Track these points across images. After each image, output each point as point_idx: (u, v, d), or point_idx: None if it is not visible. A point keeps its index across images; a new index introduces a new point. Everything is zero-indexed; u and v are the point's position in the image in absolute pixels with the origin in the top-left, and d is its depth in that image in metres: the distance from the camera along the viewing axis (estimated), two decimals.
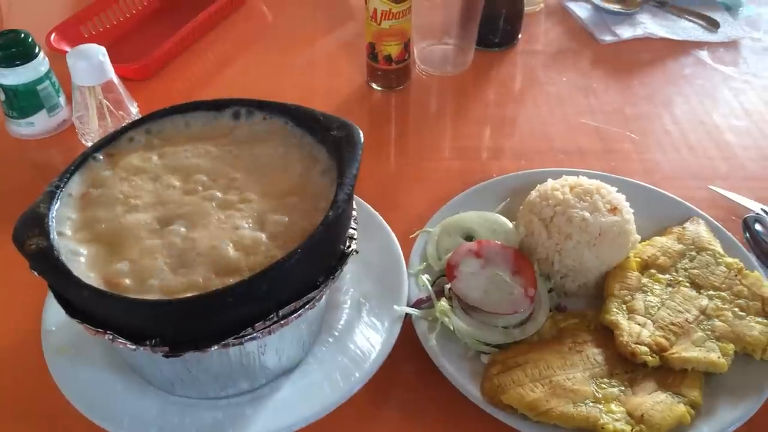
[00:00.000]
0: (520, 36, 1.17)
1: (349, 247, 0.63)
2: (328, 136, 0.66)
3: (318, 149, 0.67)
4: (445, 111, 1.06)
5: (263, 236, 0.60)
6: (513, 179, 0.86)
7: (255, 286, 0.54)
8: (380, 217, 0.80)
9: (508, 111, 1.05)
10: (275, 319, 0.57)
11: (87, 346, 0.68)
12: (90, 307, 0.56)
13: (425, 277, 0.74)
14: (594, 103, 1.05)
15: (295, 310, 0.58)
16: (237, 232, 0.60)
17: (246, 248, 0.59)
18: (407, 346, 0.70)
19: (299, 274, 0.58)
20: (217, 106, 0.71)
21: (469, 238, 0.79)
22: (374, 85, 1.07)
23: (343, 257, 0.62)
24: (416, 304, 0.72)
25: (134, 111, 0.95)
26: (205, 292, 0.54)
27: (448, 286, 0.72)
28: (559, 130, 1.01)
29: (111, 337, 0.56)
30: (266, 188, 0.64)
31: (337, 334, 0.71)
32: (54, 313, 0.70)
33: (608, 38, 1.17)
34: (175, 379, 0.64)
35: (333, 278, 0.61)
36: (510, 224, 0.79)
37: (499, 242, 0.76)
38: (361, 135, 0.65)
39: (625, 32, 1.18)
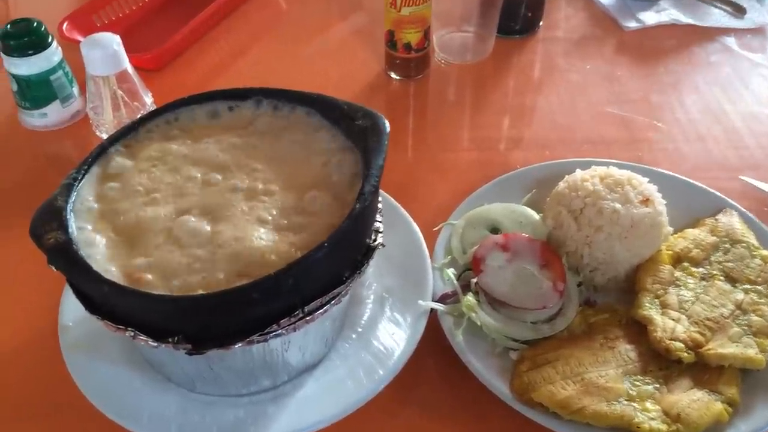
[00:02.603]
0: (541, 23, 1.15)
1: (375, 240, 0.61)
2: (353, 125, 0.64)
3: (342, 139, 0.65)
4: (465, 100, 1.04)
5: (288, 229, 0.58)
6: (538, 170, 0.84)
7: (281, 281, 0.53)
8: (403, 209, 0.78)
9: (529, 100, 1.03)
10: (300, 315, 0.55)
11: (105, 341, 0.66)
12: (111, 303, 0.54)
13: (450, 271, 0.72)
14: (619, 92, 1.03)
15: (321, 306, 0.57)
16: (260, 224, 0.58)
17: (270, 241, 0.57)
18: (432, 343, 0.69)
19: (325, 268, 0.56)
20: (237, 95, 0.69)
21: (494, 230, 0.77)
22: (392, 74, 1.05)
23: (368, 251, 0.60)
24: (441, 299, 0.70)
25: (149, 101, 0.93)
26: (230, 288, 0.52)
27: (474, 280, 0.70)
28: (582, 120, 0.98)
29: (132, 334, 0.54)
30: (289, 180, 0.62)
31: (360, 329, 0.69)
32: (71, 308, 0.69)
33: (632, 25, 1.14)
34: (196, 376, 0.63)
35: (359, 273, 0.59)
36: (537, 216, 0.76)
37: (526, 235, 0.73)
38: (387, 124, 0.63)
39: (650, 18, 1.15)
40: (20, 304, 0.76)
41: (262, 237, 0.57)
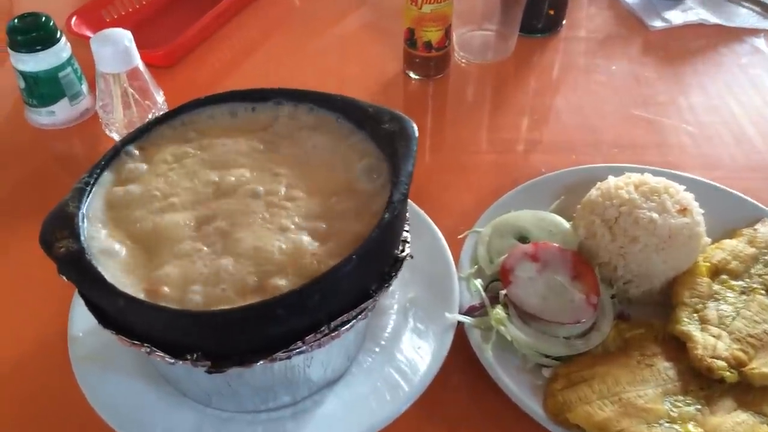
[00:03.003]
0: (564, 21, 1.11)
1: (403, 251, 0.58)
2: (379, 129, 0.61)
3: (368, 144, 0.62)
4: (486, 101, 1.01)
5: (311, 238, 0.55)
6: (566, 175, 0.80)
7: (307, 296, 0.49)
8: (426, 216, 0.75)
9: (553, 101, 0.99)
10: (326, 331, 0.52)
11: (117, 353, 0.63)
12: (126, 317, 0.51)
13: (478, 282, 0.69)
14: (646, 93, 0.99)
15: (347, 321, 0.53)
16: (283, 233, 0.55)
17: (293, 251, 0.54)
18: (459, 357, 0.65)
19: (353, 282, 0.53)
20: (257, 96, 0.66)
21: (522, 239, 0.74)
22: (411, 74, 1.02)
23: (396, 263, 0.57)
24: (469, 312, 0.67)
25: (160, 100, 0.90)
26: (253, 303, 0.49)
27: (503, 292, 0.67)
28: (609, 122, 0.95)
29: (148, 350, 0.51)
30: (313, 186, 0.59)
31: (383, 342, 0.66)
32: (81, 317, 0.65)
33: (658, 24, 1.10)
34: (212, 392, 0.60)
35: (387, 286, 0.55)
36: (567, 225, 0.73)
37: (557, 245, 0.70)
38: (416, 129, 0.60)
39: (676, 18, 1.11)
40: (26, 311, 0.72)
41: (283, 247, 0.54)
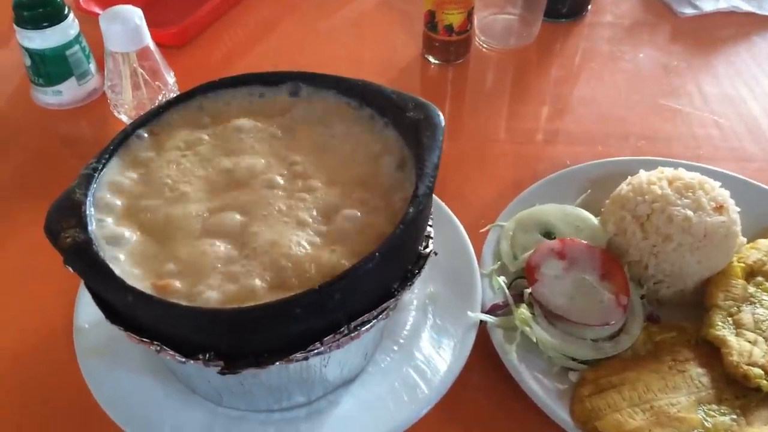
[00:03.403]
0: (589, 6, 1.07)
1: (426, 247, 0.55)
2: (403, 118, 0.57)
3: (390, 133, 0.59)
4: (507, 88, 0.97)
5: (330, 233, 0.52)
6: (593, 168, 0.77)
7: (327, 295, 0.47)
8: (446, 208, 0.72)
9: (576, 90, 0.96)
10: (345, 332, 0.49)
11: (124, 346, 0.60)
12: (134, 312, 0.48)
13: (501, 279, 0.66)
14: (674, 83, 0.95)
15: (368, 321, 0.50)
16: (301, 227, 0.52)
17: (312, 246, 0.51)
18: (480, 358, 0.63)
19: (375, 280, 0.50)
20: (273, 80, 0.63)
21: (547, 234, 0.70)
22: (430, 58, 0.98)
23: (420, 260, 0.54)
24: (491, 310, 0.64)
25: (171, 81, 0.87)
26: (270, 302, 0.46)
27: (528, 290, 0.64)
28: (636, 113, 0.91)
29: (158, 347, 0.48)
30: (332, 175, 0.56)
31: (402, 341, 0.64)
32: (88, 309, 0.63)
33: (688, 11, 1.06)
34: (223, 390, 0.57)
35: (410, 284, 0.52)
36: (595, 220, 0.70)
37: (585, 241, 0.67)
38: (442, 118, 0.57)
39: (707, 5, 1.07)
40: (31, 300, 0.70)
41: (301, 242, 0.51)
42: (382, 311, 0.51)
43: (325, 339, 0.49)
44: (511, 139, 0.89)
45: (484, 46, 1.01)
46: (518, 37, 1.00)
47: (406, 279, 0.53)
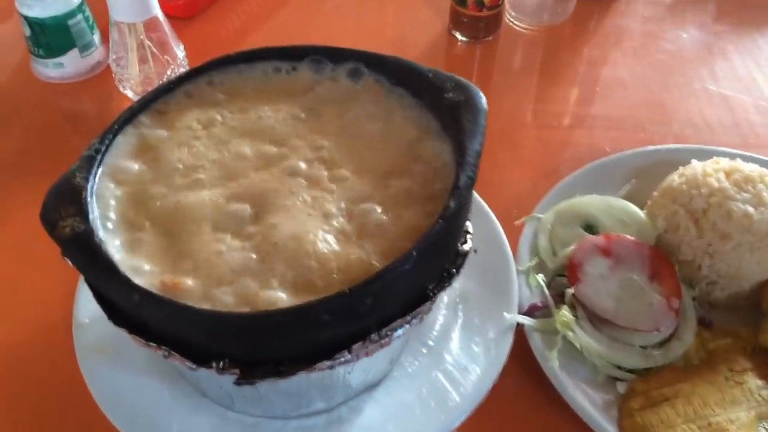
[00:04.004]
0: None
1: (465, 243, 0.49)
2: (441, 99, 0.51)
3: (427, 116, 0.53)
4: (539, 68, 0.91)
5: (360, 228, 0.46)
6: (638, 157, 0.71)
7: (358, 299, 0.41)
8: (478, 198, 0.66)
9: (615, 71, 0.89)
10: (376, 338, 0.44)
11: (127, 345, 0.54)
12: (140, 313, 0.43)
13: (540, 278, 0.60)
14: (721, 66, 0.89)
15: (400, 326, 0.45)
16: (327, 220, 0.47)
17: (340, 243, 0.45)
18: (518, 364, 0.58)
19: (410, 282, 0.44)
20: (294, 54, 0.57)
21: (589, 228, 0.65)
22: (457, 35, 0.92)
23: (457, 258, 0.48)
24: (529, 311, 0.59)
25: (180, 55, 0.81)
26: (293, 306, 0.41)
27: (570, 290, 0.58)
28: (680, 97, 0.85)
29: (166, 352, 0.43)
30: (362, 163, 0.50)
31: (431, 342, 0.59)
32: (89, 303, 0.57)
33: None
34: (236, 395, 0.52)
35: (447, 285, 0.47)
36: (643, 214, 0.64)
37: (632, 237, 0.61)
38: (484, 100, 0.51)
39: None
40: (28, 289, 0.65)
41: (327, 237, 0.45)
42: (416, 315, 0.46)
43: (354, 347, 0.43)
44: (543, 122, 0.83)
45: (515, 22, 0.95)
46: (552, 13, 0.94)
47: (443, 279, 0.47)
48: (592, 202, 0.65)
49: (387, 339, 0.45)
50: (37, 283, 0.64)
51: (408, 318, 0.45)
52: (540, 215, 0.66)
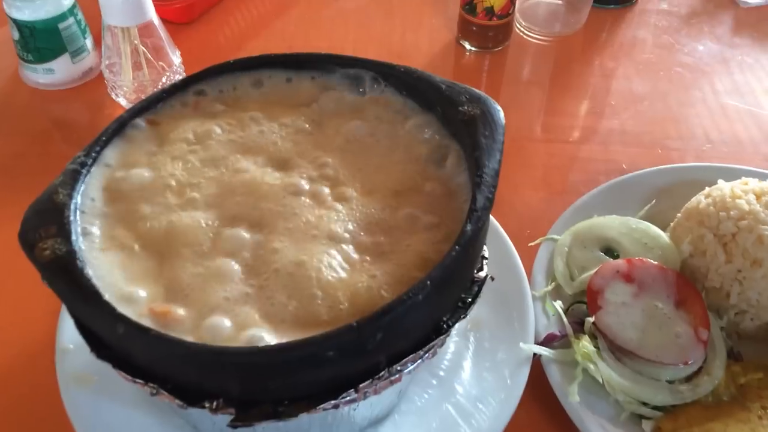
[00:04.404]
0: None
1: (481, 269, 0.46)
2: (454, 113, 0.48)
3: (438, 130, 0.49)
4: (550, 80, 0.87)
5: (369, 254, 0.42)
6: (658, 175, 0.68)
7: (367, 334, 0.37)
8: (491, 217, 0.62)
9: (629, 84, 0.86)
10: (386, 375, 0.40)
11: (115, 374, 0.51)
12: (127, 346, 0.39)
13: (557, 305, 0.56)
14: (739, 80, 0.86)
15: (412, 362, 0.41)
16: (331, 243, 0.43)
17: (346, 270, 0.41)
18: (534, 398, 0.54)
19: (424, 314, 0.40)
20: (298, 62, 0.53)
21: (608, 252, 0.61)
22: (466, 44, 0.88)
23: (473, 286, 0.45)
24: (547, 341, 0.55)
25: (177, 62, 0.77)
26: (295, 341, 0.37)
27: (590, 319, 0.54)
28: (697, 112, 0.82)
29: (154, 390, 0.39)
30: (370, 182, 0.47)
31: (441, 373, 0.55)
32: (73, 326, 0.53)
33: (751, 0, 0.96)
34: None
35: (463, 316, 0.43)
36: (666, 237, 0.60)
37: (655, 262, 0.57)
38: (502, 114, 0.48)
39: None
40: (9, 309, 0.60)
41: (333, 264, 0.41)
42: (430, 349, 0.42)
43: (361, 385, 0.39)
44: (555, 137, 0.79)
45: (526, 32, 0.91)
46: (564, 24, 0.91)
47: (459, 309, 0.44)
48: (611, 224, 0.62)
49: (397, 376, 0.41)
50: (21, 302, 0.60)
51: (421, 353, 0.41)
52: (556, 236, 0.62)
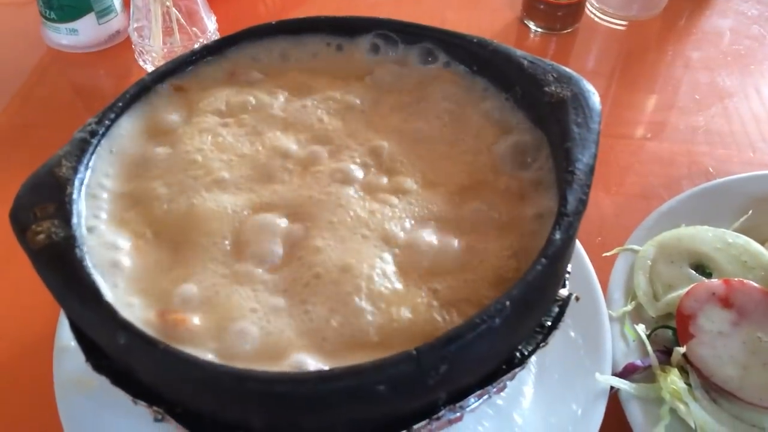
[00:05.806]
0: None
1: (563, 286, 0.37)
2: (539, 95, 0.39)
3: (518, 116, 0.41)
4: (624, 68, 0.79)
5: (432, 260, 0.34)
6: (755, 181, 0.58)
7: (428, 365, 0.30)
8: None
9: (715, 77, 0.76)
10: (445, 415, 0.32)
11: None
12: (130, 360, 0.32)
13: (640, 329, 0.47)
14: None
15: (477, 398, 0.33)
16: (387, 246, 0.35)
17: (402, 280, 0.33)
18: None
19: (498, 342, 0.32)
20: (350, 27, 0.45)
21: (699, 268, 0.52)
22: (531, 24, 0.80)
23: (554, 307, 0.36)
24: (626, 372, 0.46)
25: (212, 27, 0.71)
26: (339, 370, 0.29)
27: (680, 349, 0.46)
28: None
29: (159, 414, 0.32)
30: (432, 173, 0.39)
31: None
32: None
33: None
34: None
35: (543, 344, 0.35)
36: None
37: (758, 285, 0.48)
38: (597, 97, 0.39)
39: None
40: (8, 298, 0.54)
41: (387, 272, 0.34)
42: (499, 384, 0.34)
43: (415, 427, 0.31)
44: (630, 133, 0.70)
45: (598, 14, 0.83)
46: (642, 6, 0.81)
47: (536, 336, 0.35)
48: (703, 237, 0.53)
49: (458, 414, 0.33)
50: (19, 288, 0.53)
51: (489, 388, 0.33)
52: (636, 247, 0.53)
